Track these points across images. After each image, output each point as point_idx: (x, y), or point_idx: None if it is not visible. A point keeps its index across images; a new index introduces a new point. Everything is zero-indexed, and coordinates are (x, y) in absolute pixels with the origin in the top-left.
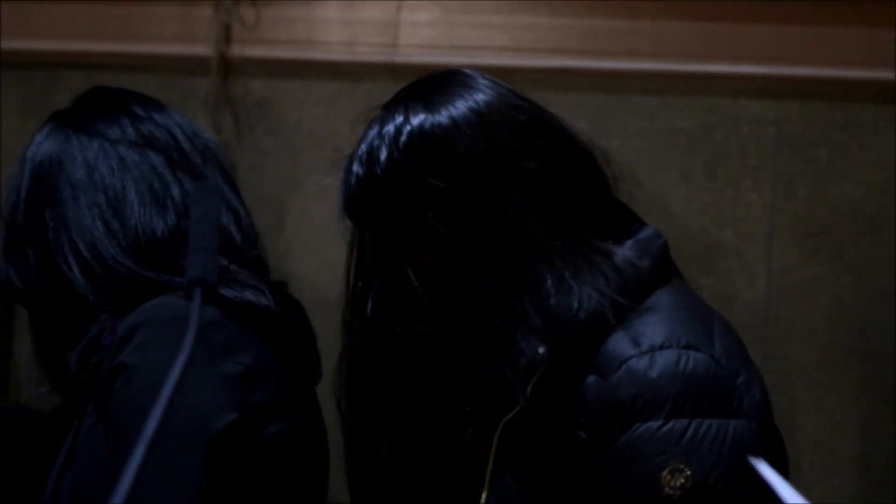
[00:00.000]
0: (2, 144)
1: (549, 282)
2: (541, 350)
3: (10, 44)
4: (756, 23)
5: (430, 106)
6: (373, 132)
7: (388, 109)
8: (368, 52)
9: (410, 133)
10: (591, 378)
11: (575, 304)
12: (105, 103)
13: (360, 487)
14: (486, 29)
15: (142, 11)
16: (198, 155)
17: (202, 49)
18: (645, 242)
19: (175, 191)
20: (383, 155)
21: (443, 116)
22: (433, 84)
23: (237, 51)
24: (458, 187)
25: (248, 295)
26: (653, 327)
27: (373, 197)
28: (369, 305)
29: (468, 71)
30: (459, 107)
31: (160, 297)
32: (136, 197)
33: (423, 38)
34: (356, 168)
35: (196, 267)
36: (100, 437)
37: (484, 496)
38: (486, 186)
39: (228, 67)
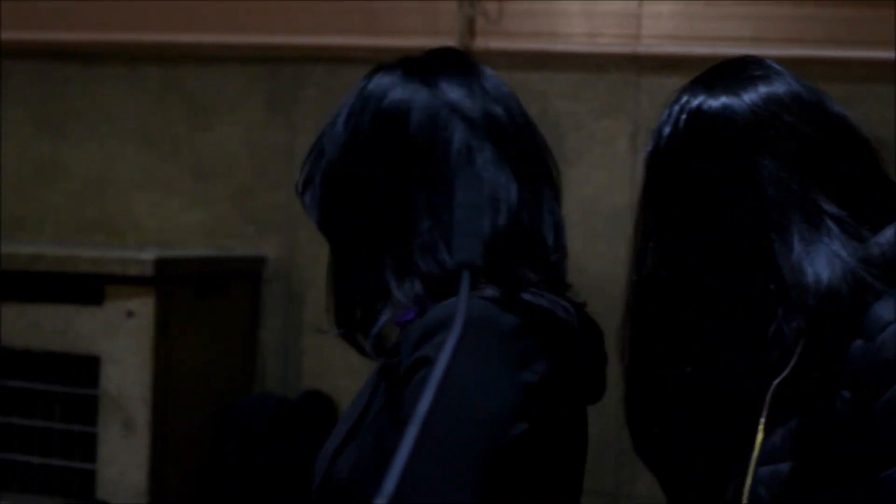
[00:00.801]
0: (249, 136)
1: (798, 250)
2: (799, 322)
3: (255, 39)
4: None
5: (711, 90)
6: (666, 111)
7: (682, 91)
8: (610, 43)
9: (689, 112)
10: (858, 342)
11: (825, 275)
12: (455, 65)
13: (639, 436)
14: (727, 19)
15: (386, 6)
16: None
17: (446, 42)
18: None
19: (509, 189)
20: (666, 131)
21: (718, 101)
22: (725, 70)
23: (480, 43)
24: (721, 166)
25: (554, 308)
26: None
27: (655, 169)
28: (647, 266)
29: (765, 60)
30: (739, 93)
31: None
32: (461, 187)
33: (665, 29)
34: (650, 142)
35: (462, 250)
36: (387, 421)
37: (755, 454)
38: (747, 171)
39: None
